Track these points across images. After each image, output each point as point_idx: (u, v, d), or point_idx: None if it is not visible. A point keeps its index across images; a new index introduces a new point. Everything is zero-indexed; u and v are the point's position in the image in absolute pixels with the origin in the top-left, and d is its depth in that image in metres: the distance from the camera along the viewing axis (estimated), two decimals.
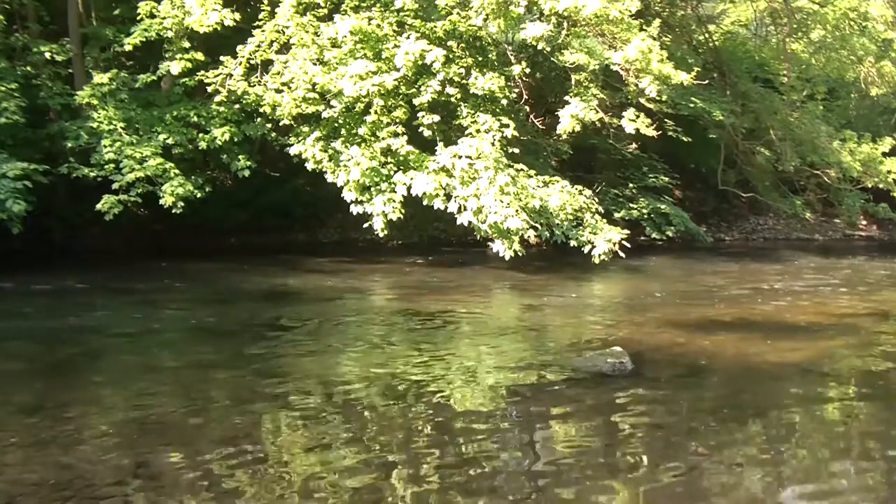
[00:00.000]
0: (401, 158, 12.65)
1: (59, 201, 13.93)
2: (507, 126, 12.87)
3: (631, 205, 18.06)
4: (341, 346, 8.45)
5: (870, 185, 18.85)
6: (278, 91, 12.94)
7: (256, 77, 13.23)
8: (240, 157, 13.33)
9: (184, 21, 12.60)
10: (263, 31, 13.10)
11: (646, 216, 18.02)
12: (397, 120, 12.88)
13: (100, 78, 13.03)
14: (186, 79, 13.10)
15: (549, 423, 6.00)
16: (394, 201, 12.38)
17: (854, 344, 8.84)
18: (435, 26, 13.19)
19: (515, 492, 4.68)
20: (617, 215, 16.90)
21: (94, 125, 12.69)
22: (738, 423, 5.98)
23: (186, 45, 12.86)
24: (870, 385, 7.33)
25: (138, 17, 12.84)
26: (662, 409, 6.30)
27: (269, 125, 13.43)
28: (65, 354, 7.86)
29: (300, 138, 13.16)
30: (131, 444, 5.27)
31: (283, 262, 14.00)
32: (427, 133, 12.91)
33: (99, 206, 12.23)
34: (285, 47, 13.14)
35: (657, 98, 13.32)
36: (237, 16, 12.71)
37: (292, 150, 13.18)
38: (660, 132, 14.41)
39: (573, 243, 12.84)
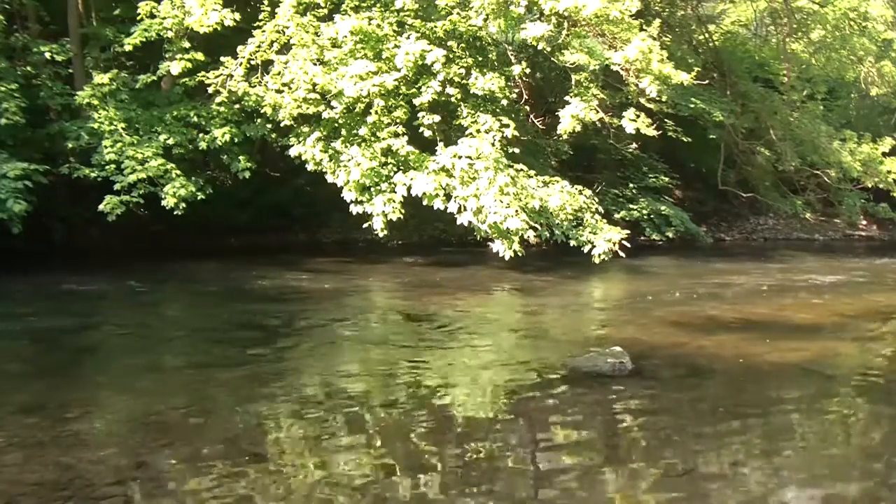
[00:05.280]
0: (401, 158, 12.65)
1: (59, 201, 13.92)
2: (507, 126, 12.86)
3: (631, 205, 18.07)
4: (341, 345, 8.46)
5: (870, 185, 18.86)
6: (279, 91, 12.94)
7: (257, 77, 13.23)
8: (240, 157, 13.32)
9: (184, 21, 12.59)
10: (263, 31, 13.09)
11: (646, 217, 18.04)
12: (398, 120, 12.87)
13: (100, 78, 13.02)
14: (186, 79, 13.09)
15: (549, 423, 6.00)
16: (394, 201, 12.38)
17: (854, 344, 8.86)
18: (435, 26, 13.19)
19: (515, 492, 4.68)
20: (617, 216, 16.91)
21: (95, 125, 12.66)
22: (738, 423, 5.99)
23: (186, 45, 12.84)
24: (870, 385, 7.33)
25: (138, 17, 12.83)
26: (662, 409, 6.30)
27: (269, 126, 13.42)
28: (65, 354, 7.86)
29: (300, 139, 13.16)
30: (131, 444, 5.27)
31: (284, 262, 13.99)
32: (427, 133, 12.91)
33: (101, 206, 12.21)
34: (285, 47, 13.13)
35: (657, 98, 13.32)
36: (237, 16, 12.69)
37: (292, 152, 13.18)
38: (660, 132, 14.40)
39: (573, 243, 12.84)
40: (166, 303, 11.00)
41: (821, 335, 9.09)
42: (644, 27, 13.46)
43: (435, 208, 12.49)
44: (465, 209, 12.13)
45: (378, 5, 13.28)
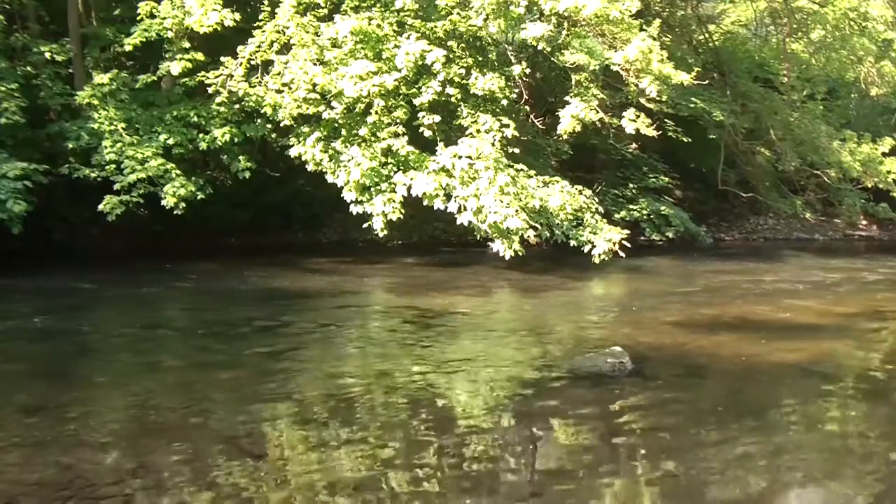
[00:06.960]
0: (401, 159, 12.65)
1: (59, 201, 13.93)
2: (508, 126, 12.87)
3: (631, 206, 18.08)
4: (341, 345, 8.46)
5: (870, 185, 18.85)
6: (279, 91, 12.94)
7: (257, 77, 13.23)
8: (240, 157, 13.33)
9: (184, 21, 12.60)
10: (264, 31, 13.09)
11: (646, 217, 18.05)
12: (398, 120, 12.88)
13: (100, 78, 13.03)
14: (186, 79, 13.10)
15: (549, 423, 6.00)
16: (394, 201, 12.38)
17: (854, 344, 8.85)
18: (435, 26, 13.19)
19: (515, 492, 4.68)
20: (617, 216, 16.92)
21: (95, 125, 12.67)
22: (737, 423, 5.99)
23: (186, 45, 12.85)
24: (870, 385, 7.34)
25: (138, 18, 12.84)
26: (662, 409, 6.30)
27: (269, 126, 13.43)
28: (65, 354, 7.86)
29: (300, 139, 13.16)
30: (131, 444, 5.27)
31: (284, 262, 14.00)
32: (427, 133, 12.91)
33: (101, 206, 12.23)
34: (286, 48, 13.14)
35: (657, 98, 13.31)
36: (237, 16, 12.70)
37: (292, 152, 13.18)
38: (660, 132, 14.39)
39: (573, 243, 12.84)
40: (166, 302, 11.00)
41: (821, 335, 9.09)
42: (644, 27, 13.46)
43: (435, 208, 12.50)
44: (465, 209, 12.13)
45: (378, 5, 13.28)
